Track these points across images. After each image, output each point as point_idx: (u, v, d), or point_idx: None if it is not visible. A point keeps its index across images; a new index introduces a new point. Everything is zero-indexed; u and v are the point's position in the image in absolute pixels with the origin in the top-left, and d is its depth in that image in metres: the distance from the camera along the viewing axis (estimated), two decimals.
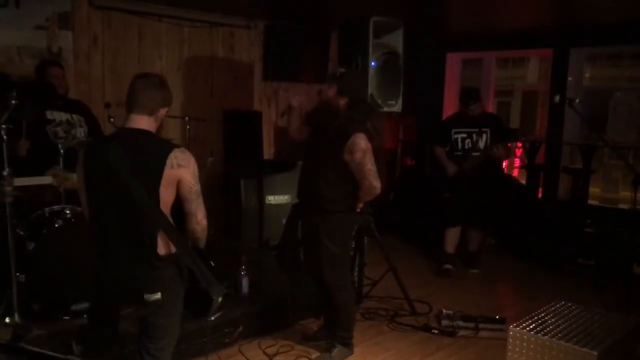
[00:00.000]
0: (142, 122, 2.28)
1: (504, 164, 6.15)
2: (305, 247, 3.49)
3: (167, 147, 2.24)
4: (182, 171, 2.22)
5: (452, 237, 5.06)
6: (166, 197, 2.22)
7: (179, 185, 2.23)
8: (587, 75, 6.27)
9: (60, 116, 3.86)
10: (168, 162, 2.18)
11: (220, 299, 2.18)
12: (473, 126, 4.95)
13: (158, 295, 2.21)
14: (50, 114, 3.84)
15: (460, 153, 4.97)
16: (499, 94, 7.35)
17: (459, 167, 4.92)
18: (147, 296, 2.20)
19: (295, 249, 3.60)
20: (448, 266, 5.04)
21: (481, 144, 4.94)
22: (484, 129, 4.95)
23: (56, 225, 3.38)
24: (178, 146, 2.26)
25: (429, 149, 5.08)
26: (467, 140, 4.97)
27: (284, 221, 5.09)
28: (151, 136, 2.29)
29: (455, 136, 4.99)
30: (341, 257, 3.27)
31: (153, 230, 2.19)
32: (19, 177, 3.20)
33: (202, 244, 2.35)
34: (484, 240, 5.30)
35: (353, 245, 4.21)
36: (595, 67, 6.38)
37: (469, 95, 5.03)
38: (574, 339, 2.79)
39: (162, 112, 2.33)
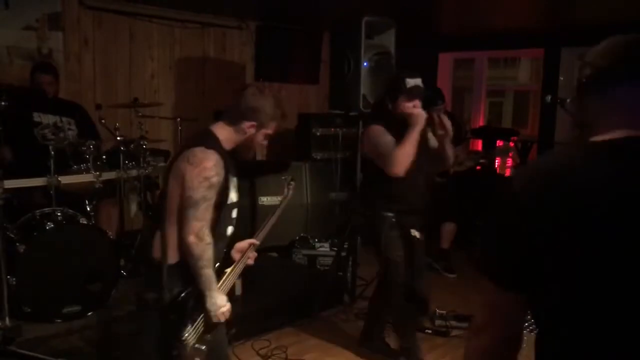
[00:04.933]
0: (218, 126, 2.15)
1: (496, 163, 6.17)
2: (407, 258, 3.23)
3: (196, 144, 2.06)
4: (187, 167, 2.00)
5: (446, 233, 5.08)
6: (172, 191, 2.06)
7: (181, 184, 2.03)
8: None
9: (48, 119, 3.84)
10: (182, 155, 2.04)
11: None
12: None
13: (150, 295, 2.18)
14: (37, 116, 3.82)
15: None
16: (490, 94, 7.38)
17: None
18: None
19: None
20: (451, 275, 5.02)
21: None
22: None
23: (47, 228, 3.36)
24: (208, 147, 2.04)
25: None
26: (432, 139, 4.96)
27: (275, 222, 5.10)
28: (204, 136, 2.11)
29: None
30: None
31: (154, 228, 2.15)
32: (9, 180, 3.17)
33: (191, 262, 2.02)
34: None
35: (345, 246, 4.22)
36: None
37: (437, 94, 5.02)
38: None
39: (246, 125, 2.12)
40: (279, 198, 5.30)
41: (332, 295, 4.14)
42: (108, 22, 4.73)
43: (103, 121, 4.08)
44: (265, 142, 2.24)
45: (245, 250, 2.33)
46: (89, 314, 3.37)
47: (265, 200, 5.15)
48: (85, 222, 3.58)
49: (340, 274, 4.28)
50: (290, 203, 5.78)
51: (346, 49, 3.95)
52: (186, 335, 2.03)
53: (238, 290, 3.75)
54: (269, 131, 2.20)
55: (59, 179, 3.44)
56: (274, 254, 5.07)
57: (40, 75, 3.89)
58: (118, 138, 3.92)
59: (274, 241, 5.13)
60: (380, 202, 3.13)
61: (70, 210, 3.53)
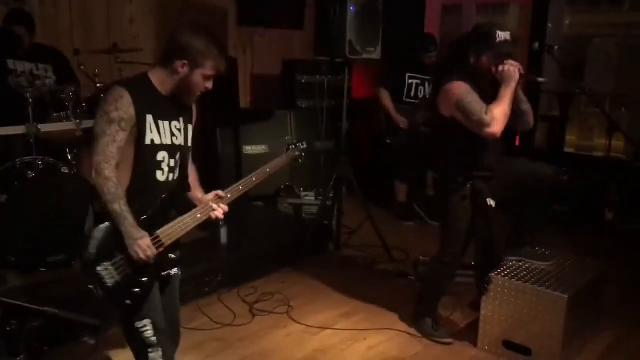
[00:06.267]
0: (153, 70, 2.11)
1: None
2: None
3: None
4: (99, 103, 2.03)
5: (401, 189, 5.08)
6: None
7: None
8: (567, 22, 6.21)
9: (24, 66, 3.72)
10: None
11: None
12: (428, 74, 4.84)
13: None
14: (12, 64, 3.69)
15: (412, 100, 4.85)
16: None
17: (410, 117, 4.76)
18: None
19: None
20: (408, 223, 5.05)
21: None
22: None
23: (28, 177, 3.31)
24: (122, 85, 2.03)
25: (376, 93, 4.89)
26: (421, 88, 4.86)
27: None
28: (133, 77, 2.13)
29: (410, 81, 4.84)
30: None
31: None
32: None
33: (99, 199, 1.98)
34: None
35: (331, 195, 4.23)
36: (575, 14, 6.31)
37: (430, 40, 4.93)
38: (547, 284, 2.87)
39: (178, 65, 2.03)
40: (264, 147, 5.32)
41: (318, 243, 4.17)
42: None
43: (82, 67, 3.96)
44: (209, 86, 2.13)
45: (207, 201, 2.23)
46: (74, 262, 3.37)
47: (249, 149, 5.11)
48: (67, 171, 3.53)
49: (326, 222, 4.31)
50: (275, 152, 5.75)
51: None
52: (100, 270, 2.00)
53: (224, 239, 3.77)
54: (208, 72, 2.07)
55: (39, 127, 3.36)
56: (260, 203, 5.08)
57: (16, 27, 3.73)
58: (98, 85, 3.82)
59: (260, 190, 5.12)
60: (456, 167, 2.90)
61: (52, 159, 3.47)
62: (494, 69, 2.74)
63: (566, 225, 4.88)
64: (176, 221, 2.13)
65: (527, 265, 3.12)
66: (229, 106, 5.50)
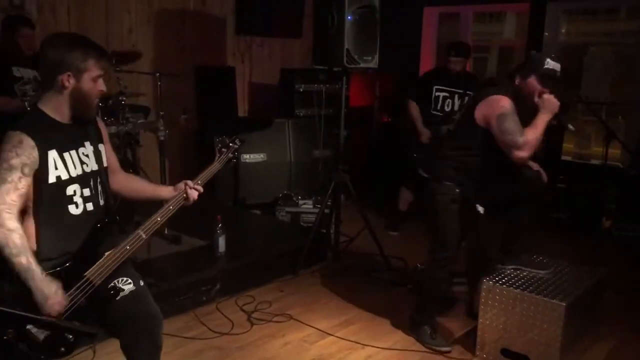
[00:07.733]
0: (42, 100, 1.99)
1: None
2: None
3: (10, 127, 1.91)
4: None
5: (405, 197, 5.02)
6: None
7: None
8: (563, 30, 6.25)
9: (28, 73, 3.74)
10: None
11: None
12: (457, 86, 4.63)
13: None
14: (17, 71, 3.72)
15: (438, 113, 4.69)
16: (475, 50, 7.28)
17: (435, 131, 4.59)
18: None
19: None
20: (393, 233, 4.97)
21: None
22: (468, 92, 4.54)
23: None
24: (15, 128, 1.89)
25: (406, 104, 4.85)
26: (449, 101, 4.67)
27: (258, 180, 5.09)
28: (24, 116, 2.01)
29: (437, 93, 4.67)
30: None
31: None
32: None
33: (6, 256, 1.79)
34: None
35: (329, 203, 4.23)
36: (571, 22, 6.36)
37: (459, 46, 4.68)
38: (544, 291, 2.87)
39: (62, 80, 1.92)
40: (262, 156, 5.33)
41: (316, 251, 4.17)
42: None
43: None
44: (102, 87, 2.01)
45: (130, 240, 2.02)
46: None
47: (247, 157, 5.12)
48: None
49: (324, 230, 4.30)
50: (273, 160, 5.76)
51: (330, 1, 3.86)
52: (31, 327, 1.79)
53: (221, 248, 3.76)
54: (94, 72, 1.96)
55: None
56: (257, 212, 5.08)
57: (23, 29, 3.75)
58: None
59: (258, 199, 5.14)
60: (454, 173, 2.89)
61: None
62: (536, 96, 2.75)
63: (564, 232, 4.89)
64: (104, 258, 1.95)
65: (524, 273, 3.12)
66: (227, 115, 5.52)
